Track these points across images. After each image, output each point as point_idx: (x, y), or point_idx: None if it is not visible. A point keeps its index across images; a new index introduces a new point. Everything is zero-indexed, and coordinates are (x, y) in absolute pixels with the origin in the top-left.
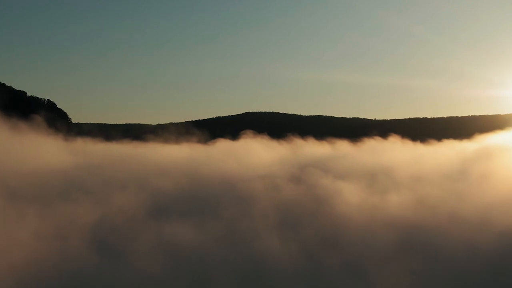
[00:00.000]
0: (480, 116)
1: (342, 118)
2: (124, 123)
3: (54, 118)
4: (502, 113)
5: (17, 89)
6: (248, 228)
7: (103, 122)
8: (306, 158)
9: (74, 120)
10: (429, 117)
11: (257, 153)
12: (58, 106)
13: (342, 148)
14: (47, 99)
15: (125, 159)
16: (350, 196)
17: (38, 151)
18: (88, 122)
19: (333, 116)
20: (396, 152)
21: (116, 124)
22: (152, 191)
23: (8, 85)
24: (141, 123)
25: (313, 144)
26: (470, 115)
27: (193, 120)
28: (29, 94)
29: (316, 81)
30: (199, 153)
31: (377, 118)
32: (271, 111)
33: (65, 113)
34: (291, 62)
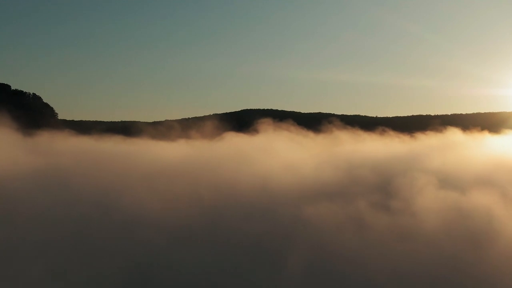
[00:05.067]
0: (484, 113)
1: (342, 115)
2: (119, 120)
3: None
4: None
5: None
6: None
7: (98, 119)
8: (368, 158)
9: (68, 118)
10: (433, 114)
11: (289, 152)
12: (45, 101)
13: (397, 144)
14: (32, 93)
15: (103, 160)
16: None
17: None
18: (82, 119)
19: (333, 114)
20: (480, 146)
21: (111, 122)
22: (131, 223)
23: None
24: (135, 120)
25: (359, 138)
26: (475, 112)
27: (190, 117)
28: (13, 87)
29: (313, 80)
30: (203, 152)
31: (378, 116)
32: (269, 108)
33: (52, 108)
34: (289, 61)
